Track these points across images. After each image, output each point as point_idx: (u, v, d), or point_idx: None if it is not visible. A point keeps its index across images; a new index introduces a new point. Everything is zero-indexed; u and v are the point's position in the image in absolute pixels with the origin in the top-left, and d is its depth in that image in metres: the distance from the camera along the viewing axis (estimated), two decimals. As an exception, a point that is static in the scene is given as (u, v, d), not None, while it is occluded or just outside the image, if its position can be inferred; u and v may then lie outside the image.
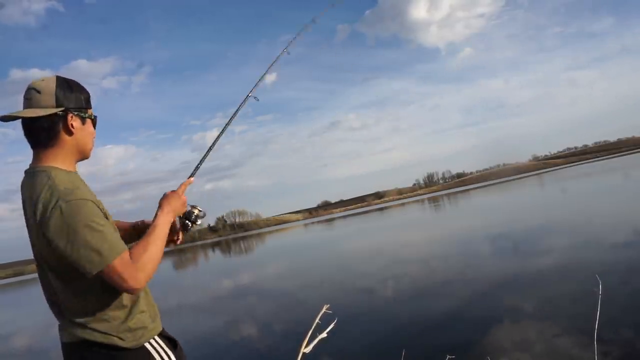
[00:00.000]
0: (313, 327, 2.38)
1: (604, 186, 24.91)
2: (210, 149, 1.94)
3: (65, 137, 1.48)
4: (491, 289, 7.36)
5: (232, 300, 12.13)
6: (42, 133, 1.45)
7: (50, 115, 1.43)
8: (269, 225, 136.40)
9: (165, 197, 1.66)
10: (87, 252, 1.33)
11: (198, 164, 1.86)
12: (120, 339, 1.45)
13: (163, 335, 1.59)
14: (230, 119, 1.94)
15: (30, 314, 19.37)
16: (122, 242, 1.42)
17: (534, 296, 6.35)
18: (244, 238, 72.93)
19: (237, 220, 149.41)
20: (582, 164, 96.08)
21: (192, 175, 1.82)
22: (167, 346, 1.57)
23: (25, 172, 1.49)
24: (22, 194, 1.49)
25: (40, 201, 1.37)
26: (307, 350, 2.28)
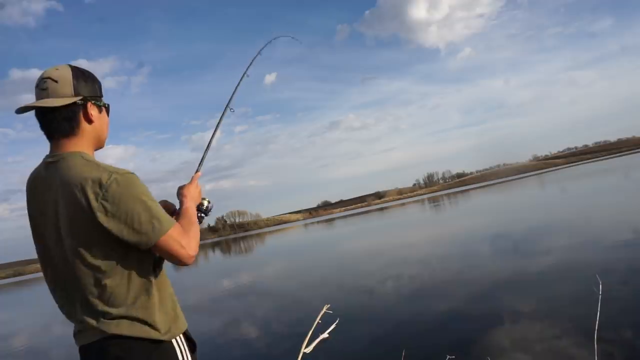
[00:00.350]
0: (314, 327, 2.39)
1: (604, 186, 24.90)
2: (207, 149, 2.00)
3: (85, 125, 1.48)
4: (491, 288, 7.35)
5: (233, 300, 12.12)
6: (63, 122, 1.44)
7: (70, 104, 1.43)
8: (269, 226, 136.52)
9: (183, 188, 1.72)
10: (149, 219, 1.36)
11: (202, 159, 1.93)
12: (157, 329, 1.43)
13: (186, 335, 1.56)
14: (214, 132, 2.04)
15: (31, 314, 19.37)
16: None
17: (534, 296, 6.35)
18: (244, 238, 72.95)
19: (237, 220, 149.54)
20: (582, 164, 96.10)
21: (198, 170, 1.88)
22: (188, 348, 1.53)
23: (47, 161, 1.45)
24: (44, 181, 1.44)
25: (88, 179, 1.35)
26: (308, 350, 2.28)
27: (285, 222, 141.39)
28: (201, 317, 10.28)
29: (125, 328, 1.39)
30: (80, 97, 1.45)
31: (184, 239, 1.42)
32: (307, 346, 2.29)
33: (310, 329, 2.37)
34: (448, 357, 3.16)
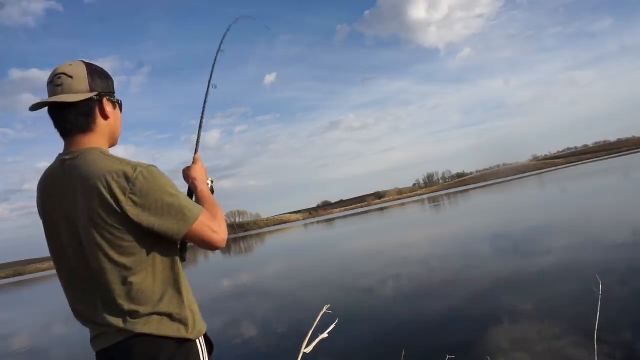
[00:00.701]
0: (314, 327, 2.38)
1: (604, 186, 24.90)
2: (200, 126, 1.99)
3: (101, 121, 1.46)
4: (491, 288, 7.36)
5: (233, 300, 12.12)
6: (79, 118, 1.41)
7: (87, 99, 1.41)
8: (269, 225, 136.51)
9: (190, 170, 1.72)
10: (180, 208, 1.36)
11: (197, 141, 1.91)
12: (187, 327, 1.41)
13: (205, 336, 1.52)
14: (202, 111, 2.04)
15: (31, 314, 19.36)
16: None
17: (534, 296, 6.35)
18: (244, 238, 72.92)
19: (237, 220, 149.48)
20: (582, 164, 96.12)
21: (196, 151, 1.86)
22: (207, 349, 1.50)
23: (65, 158, 1.41)
24: (60, 179, 1.40)
25: (113, 174, 1.32)
26: (308, 350, 2.28)
27: (285, 222, 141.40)
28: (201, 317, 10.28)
29: (154, 326, 1.35)
30: (96, 93, 1.43)
31: (213, 223, 1.42)
32: (307, 346, 2.29)
33: (311, 329, 2.37)
34: (448, 357, 3.17)
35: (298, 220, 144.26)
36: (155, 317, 1.36)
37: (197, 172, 1.71)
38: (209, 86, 2.08)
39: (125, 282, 1.35)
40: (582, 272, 6.93)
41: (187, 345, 1.41)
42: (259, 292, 12.64)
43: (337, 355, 5.33)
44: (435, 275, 9.54)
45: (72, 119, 1.41)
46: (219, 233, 1.43)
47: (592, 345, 2.95)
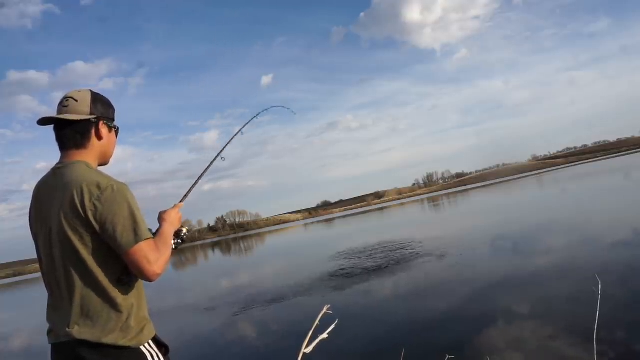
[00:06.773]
0: (314, 327, 2.38)
1: (603, 186, 24.91)
2: (196, 182, 2.12)
3: (95, 141, 1.65)
4: (490, 288, 7.36)
5: (232, 301, 12.11)
6: (76, 135, 1.61)
7: (86, 120, 1.62)
8: (268, 225, 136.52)
9: (165, 212, 1.83)
10: (129, 226, 1.48)
11: (187, 193, 2.05)
12: (127, 336, 1.50)
13: (156, 340, 1.63)
14: (201, 175, 2.18)
15: (30, 314, 19.35)
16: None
17: (533, 296, 6.36)
18: (243, 238, 72.91)
19: (237, 220, 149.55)
20: (581, 164, 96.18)
21: (181, 201, 1.99)
22: (160, 351, 1.61)
23: (57, 168, 1.60)
24: (49, 186, 1.57)
25: (88, 182, 1.49)
26: (308, 350, 2.28)
27: (285, 222, 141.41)
28: (201, 317, 10.28)
29: (96, 333, 1.46)
30: (94, 116, 1.64)
31: (153, 255, 1.51)
32: (307, 346, 2.29)
33: (311, 329, 2.37)
34: (447, 357, 3.17)
35: (298, 220, 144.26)
36: (99, 324, 1.47)
37: (170, 216, 1.81)
38: (217, 155, 2.25)
39: (79, 286, 1.48)
40: (581, 271, 6.94)
41: (129, 352, 1.51)
42: (259, 292, 12.63)
43: (337, 355, 5.34)
44: (434, 275, 9.54)
45: (69, 135, 1.61)
46: (153, 265, 1.50)
47: (591, 344, 2.95)
